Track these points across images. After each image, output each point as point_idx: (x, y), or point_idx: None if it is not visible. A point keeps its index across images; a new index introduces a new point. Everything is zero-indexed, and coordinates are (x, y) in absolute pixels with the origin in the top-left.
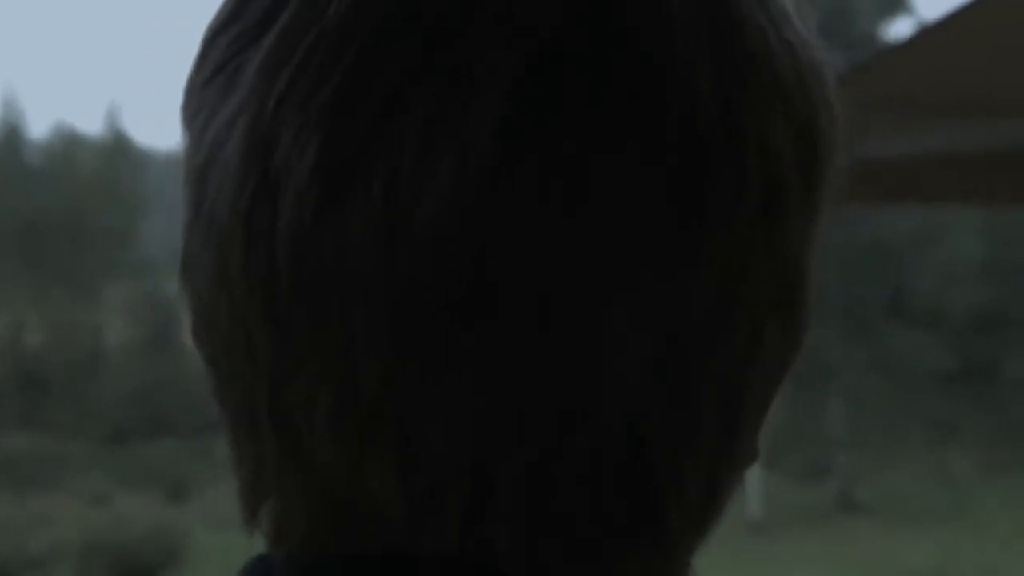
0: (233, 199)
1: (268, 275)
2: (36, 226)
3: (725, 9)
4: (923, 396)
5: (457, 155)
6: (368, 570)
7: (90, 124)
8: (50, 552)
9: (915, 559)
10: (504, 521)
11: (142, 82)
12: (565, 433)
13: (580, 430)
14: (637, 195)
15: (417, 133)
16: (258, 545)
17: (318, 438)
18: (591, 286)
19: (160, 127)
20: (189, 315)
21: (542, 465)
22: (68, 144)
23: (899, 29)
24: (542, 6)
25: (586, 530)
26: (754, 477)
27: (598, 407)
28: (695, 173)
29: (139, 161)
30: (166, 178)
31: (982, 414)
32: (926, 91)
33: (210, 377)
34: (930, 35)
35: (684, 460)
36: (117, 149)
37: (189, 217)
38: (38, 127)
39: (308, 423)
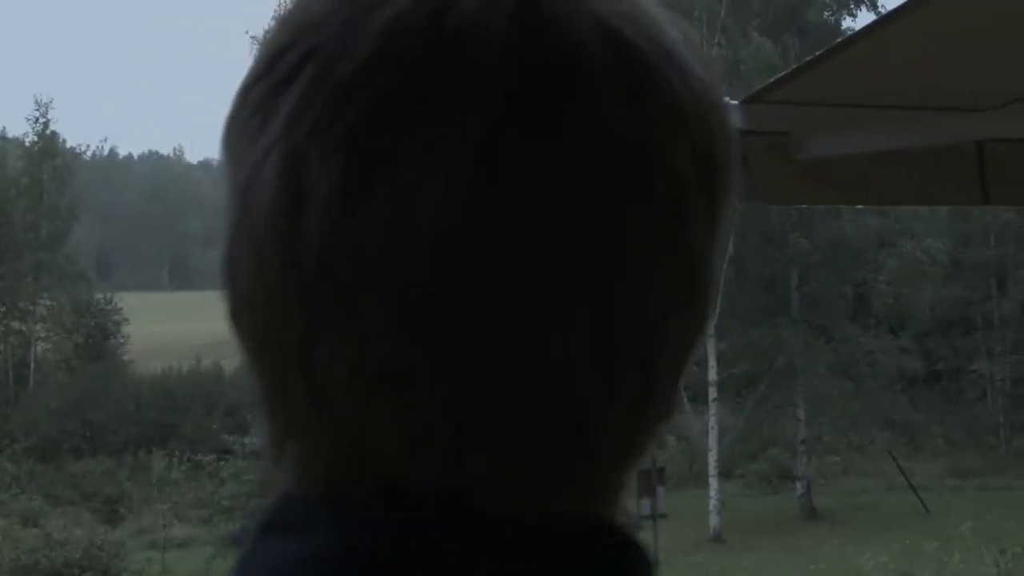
0: (271, 209)
1: (299, 267)
2: None
3: (641, 67)
4: (887, 399)
5: (442, 178)
6: (370, 499)
7: (16, 124)
8: None
9: (877, 566)
10: (479, 454)
11: (71, 80)
12: (523, 387)
13: (534, 384)
14: (580, 208)
15: (413, 161)
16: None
17: (337, 390)
18: (544, 276)
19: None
20: (228, 305)
21: (507, 410)
22: None
23: (863, 22)
24: (502, 68)
25: (537, 453)
26: (713, 487)
27: (548, 367)
28: (619, 191)
29: (69, 163)
30: (96, 182)
31: (947, 417)
32: (875, 88)
33: (246, 353)
34: (878, 31)
35: (610, 408)
36: (45, 150)
37: (231, 227)
38: None
39: (330, 378)
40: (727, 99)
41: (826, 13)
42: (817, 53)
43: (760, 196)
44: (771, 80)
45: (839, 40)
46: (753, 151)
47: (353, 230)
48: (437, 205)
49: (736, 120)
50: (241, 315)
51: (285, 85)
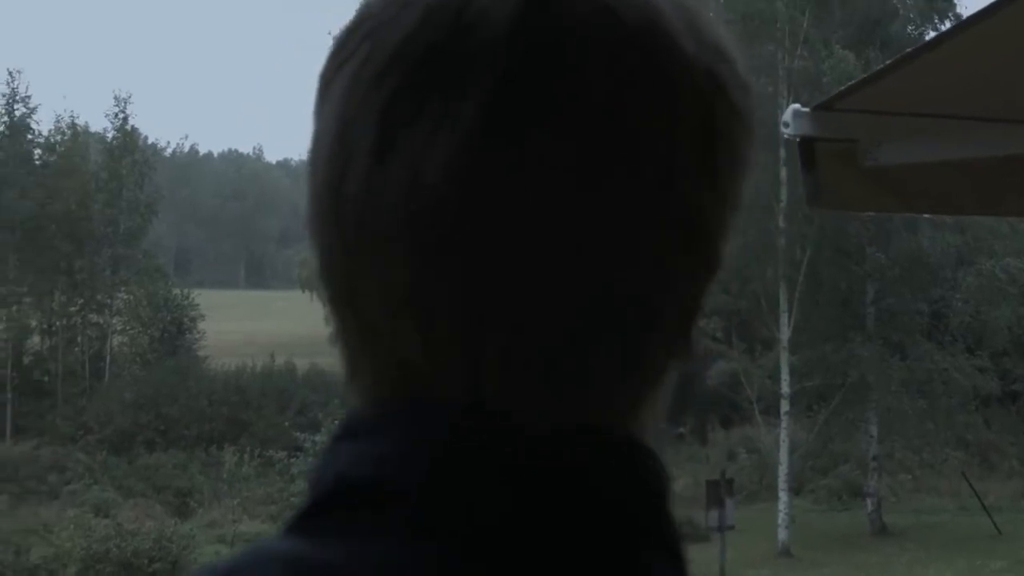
0: (326, 169)
1: (343, 212)
2: (39, 224)
3: (634, 47)
4: (961, 418)
5: (450, 137)
6: (410, 410)
7: (97, 118)
8: (53, 560)
9: None
10: (491, 367)
11: (155, 78)
12: (522, 308)
13: (532, 307)
14: (567, 165)
15: (429, 123)
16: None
17: (377, 320)
18: (538, 215)
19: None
20: (315, 262)
21: (510, 328)
22: (74, 138)
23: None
24: (503, 49)
25: (540, 367)
26: (783, 501)
27: (544, 293)
28: (605, 150)
29: (148, 158)
30: (176, 179)
31: (1022, 438)
32: (943, 98)
33: (326, 295)
34: (948, 41)
35: (605, 331)
36: (125, 145)
37: (309, 186)
38: (44, 120)
39: (370, 307)
40: (741, 76)
41: (910, 27)
42: (887, 62)
43: (825, 202)
44: (842, 88)
45: (909, 49)
46: (821, 158)
47: (381, 181)
48: (445, 159)
49: (807, 127)
50: (320, 268)
51: (344, 63)
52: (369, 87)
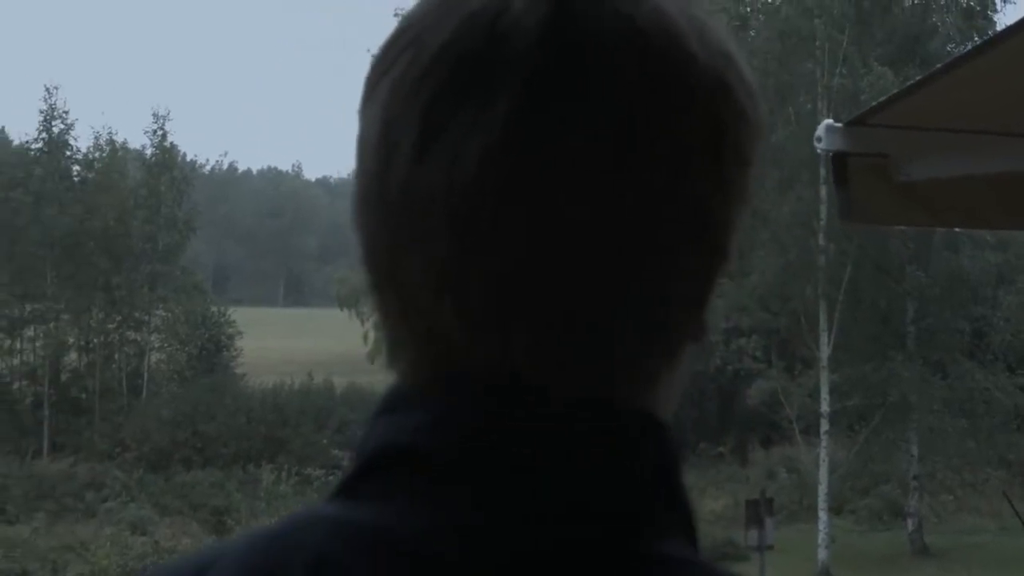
0: (373, 162)
1: (387, 204)
2: (77, 240)
3: (652, 56)
4: (1003, 438)
5: (483, 136)
6: (447, 382)
7: (135, 134)
8: None
9: None
10: (519, 342)
11: (190, 93)
12: (546, 288)
13: (555, 287)
14: (586, 162)
15: (464, 123)
16: None
17: (417, 298)
18: (561, 208)
19: (211, 142)
20: (359, 249)
21: (536, 305)
22: (112, 155)
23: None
24: (531, 57)
25: (563, 343)
26: (823, 521)
27: (567, 275)
28: (622, 149)
29: (187, 175)
30: (214, 196)
31: None
32: (975, 113)
33: (368, 280)
34: (979, 56)
35: (621, 310)
36: (163, 162)
37: (356, 178)
38: (82, 136)
39: (411, 287)
40: (748, 82)
41: (949, 45)
42: (918, 77)
43: (857, 216)
44: (874, 103)
45: (939, 65)
46: (853, 172)
47: (422, 174)
48: (481, 154)
49: (839, 142)
50: (364, 253)
51: (389, 68)
52: (412, 89)
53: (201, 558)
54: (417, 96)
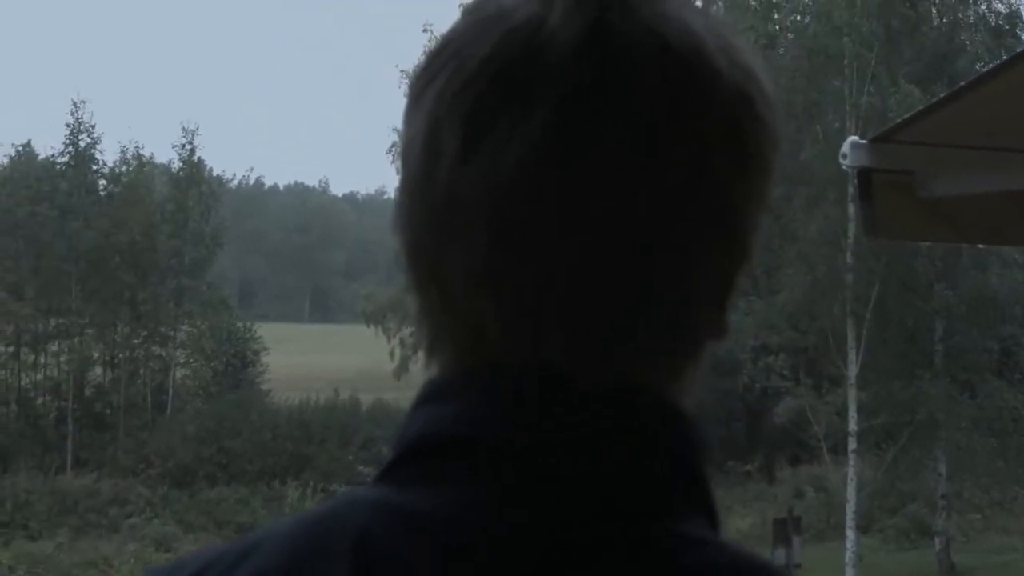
0: (419, 164)
1: (432, 203)
2: (103, 255)
3: (679, 68)
4: None
5: (521, 142)
6: (485, 374)
7: (161, 149)
8: None
9: None
10: (552, 336)
11: (218, 107)
12: (577, 284)
13: (585, 283)
14: (616, 168)
15: (505, 130)
16: None
17: (458, 294)
18: (592, 209)
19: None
20: (400, 246)
21: (568, 302)
22: (139, 169)
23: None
24: (566, 70)
25: (595, 335)
26: (851, 540)
27: (596, 273)
28: (649, 154)
29: (214, 190)
30: (241, 211)
31: None
32: (1000, 130)
33: (410, 280)
34: (1004, 74)
35: (647, 305)
36: (190, 176)
37: (400, 185)
38: (109, 150)
39: (451, 283)
40: (767, 93)
41: (978, 64)
42: (942, 95)
43: (882, 232)
44: (899, 120)
45: (964, 82)
46: (878, 189)
47: (465, 176)
48: (518, 159)
49: (864, 159)
50: (408, 251)
51: (433, 78)
52: (455, 97)
53: (248, 540)
54: (460, 105)
